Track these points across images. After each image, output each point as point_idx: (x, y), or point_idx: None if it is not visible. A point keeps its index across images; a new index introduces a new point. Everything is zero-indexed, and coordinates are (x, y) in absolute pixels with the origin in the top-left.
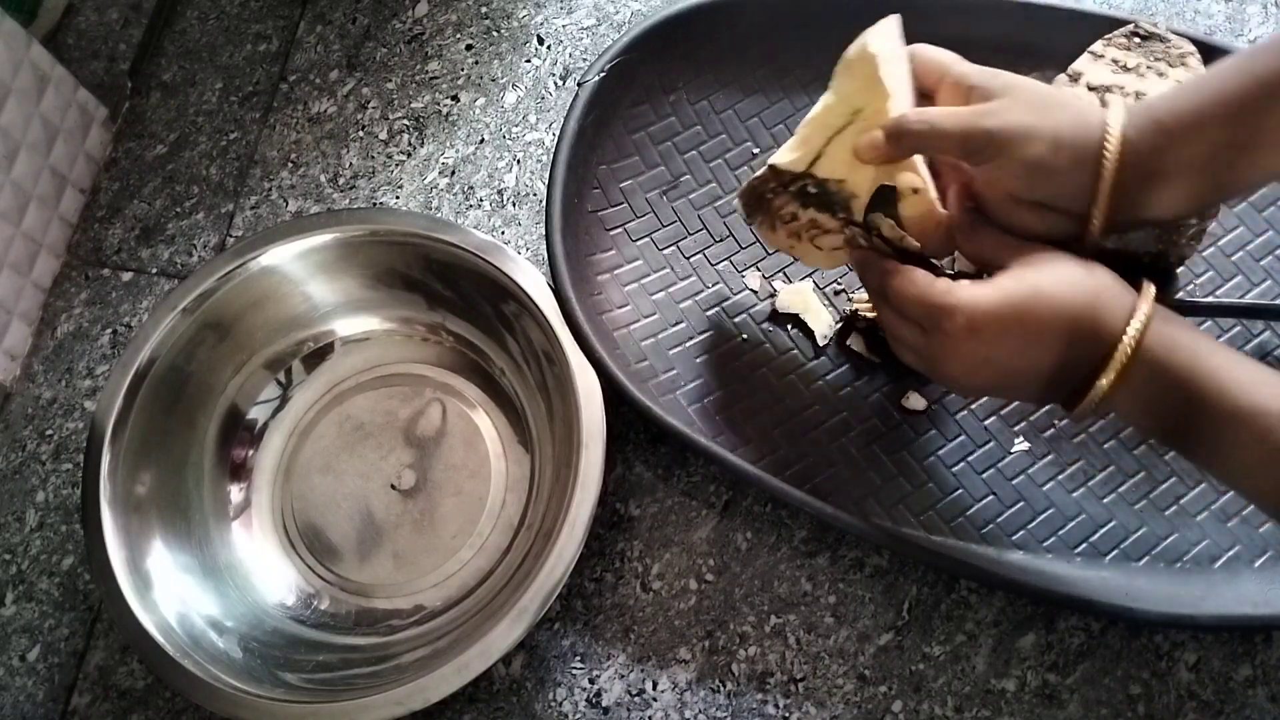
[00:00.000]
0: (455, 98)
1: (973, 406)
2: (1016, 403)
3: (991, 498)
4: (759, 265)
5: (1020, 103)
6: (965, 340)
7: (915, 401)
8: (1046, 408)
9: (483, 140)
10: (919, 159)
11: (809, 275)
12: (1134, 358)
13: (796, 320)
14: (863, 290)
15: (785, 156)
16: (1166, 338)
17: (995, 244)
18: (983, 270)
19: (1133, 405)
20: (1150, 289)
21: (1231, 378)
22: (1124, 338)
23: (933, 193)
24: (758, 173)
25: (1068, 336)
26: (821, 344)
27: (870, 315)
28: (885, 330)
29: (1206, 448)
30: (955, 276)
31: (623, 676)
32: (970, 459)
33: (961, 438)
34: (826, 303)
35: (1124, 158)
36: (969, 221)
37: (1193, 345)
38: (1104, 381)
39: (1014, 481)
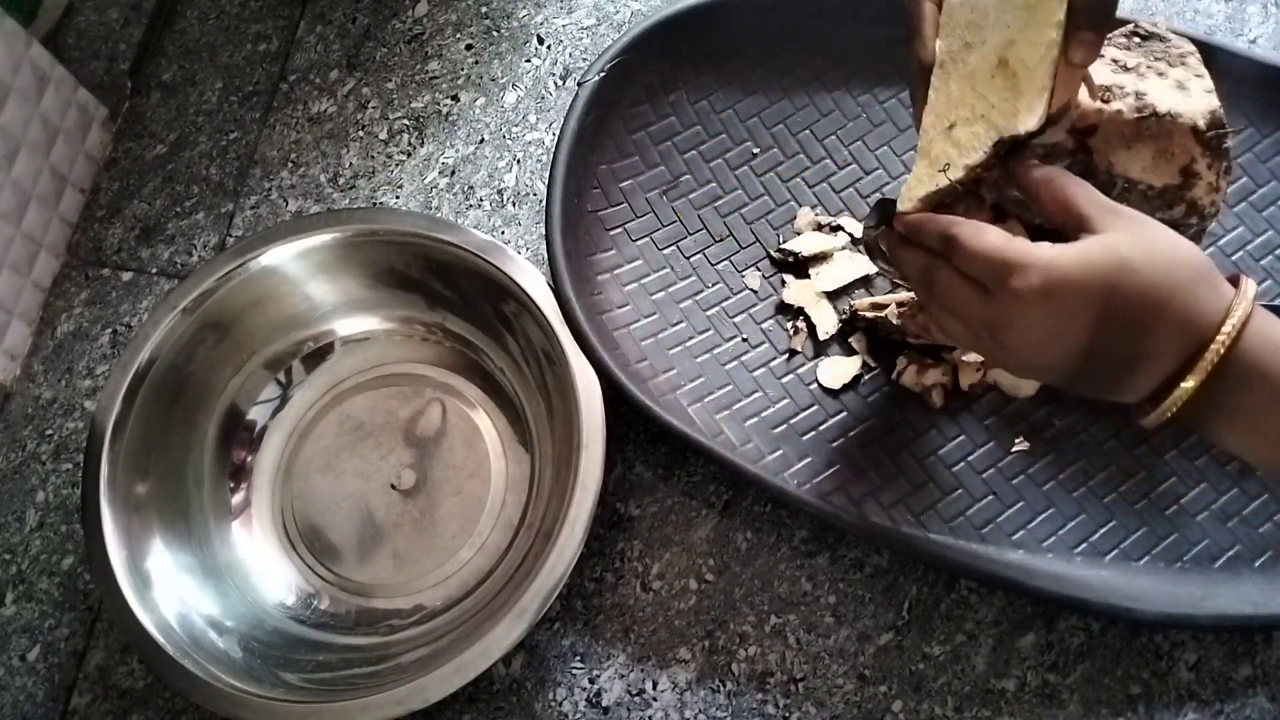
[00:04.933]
0: (455, 97)
1: (972, 406)
2: (1017, 401)
3: (991, 497)
4: (759, 265)
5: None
6: (1036, 305)
7: (909, 378)
8: (1042, 410)
9: (483, 140)
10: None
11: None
12: (1226, 360)
13: (798, 316)
14: (861, 294)
15: (1025, 122)
16: (1267, 340)
17: (1085, 200)
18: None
19: (1224, 418)
20: (1250, 285)
21: None
22: (1218, 335)
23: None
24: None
25: (1152, 322)
26: (823, 339)
27: (870, 316)
28: (931, 303)
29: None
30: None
31: (623, 676)
32: (970, 459)
33: (961, 438)
34: (829, 303)
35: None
36: (1055, 173)
37: None
38: (1189, 384)
39: (1014, 481)
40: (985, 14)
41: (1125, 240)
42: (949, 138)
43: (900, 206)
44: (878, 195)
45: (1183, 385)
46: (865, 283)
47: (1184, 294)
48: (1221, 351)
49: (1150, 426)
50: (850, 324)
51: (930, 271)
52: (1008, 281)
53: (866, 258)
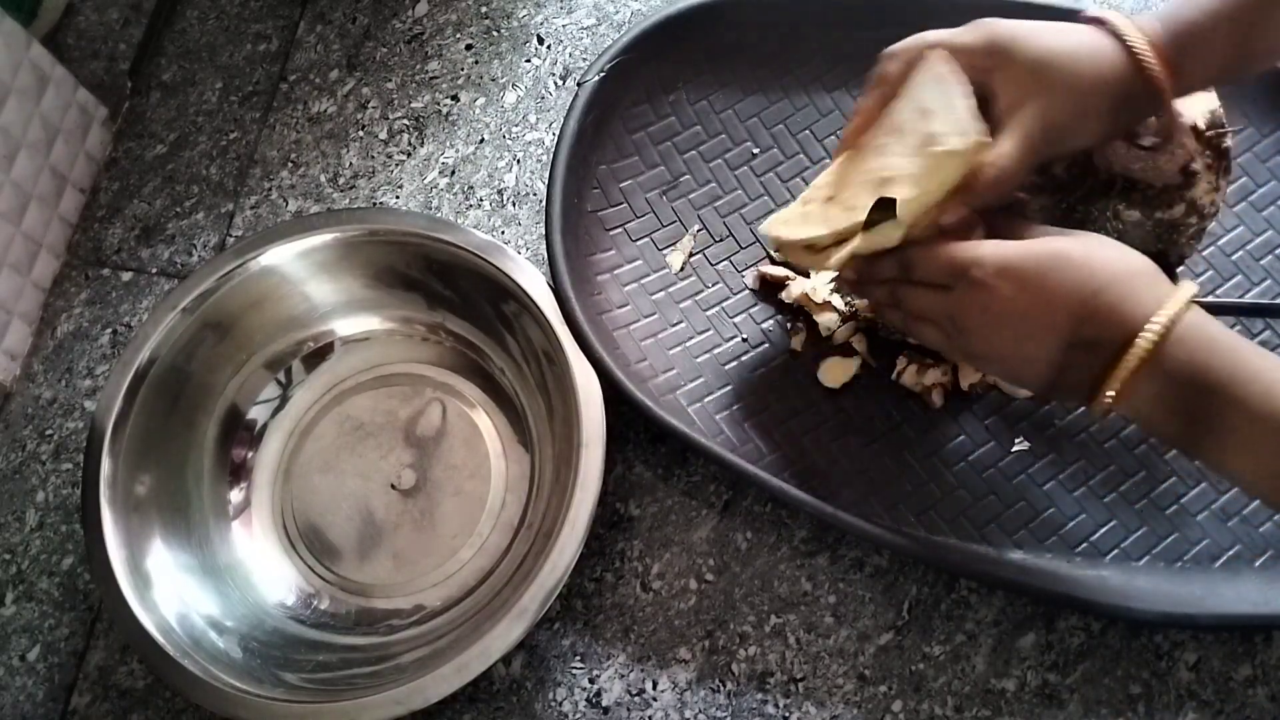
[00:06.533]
0: (455, 97)
1: (972, 406)
2: (1017, 401)
3: (992, 497)
4: (759, 265)
5: (1022, 70)
6: (989, 290)
7: (909, 378)
8: (1047, 407)
9: (483, 140)
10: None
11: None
12: (1158, 348)
13: (798, 316)
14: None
15: (879, 239)
16: (1199, 332)
17: (1039, 228)
18: None
19: (1153, 403)
20: (1189, 286)
21: (1269, 377)
22: (1151, 324)
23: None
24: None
25: (1088, 306)
26: (825, 336)
27: (870, 315)
28: (902, 318)
29: (1226, 449)
30: None
31: (623, 676)
32: (970, 458)
33: (961, 437)
34: (829, 301)
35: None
36: (1004, 219)
37: (1228, 344)
38: (1126, 365)
39: (1014, 481)
40: (906, 136)
41: (1064, 240)
42: (824, 206)
43: (763, 229)
44: None
45: (1118, 367)
46: None
47: (1121, 285)
48: (1155, 338)
49: (1099, 413)
50: (852, 322)
51: (895, 293)
52: (967, 273)
53: None
